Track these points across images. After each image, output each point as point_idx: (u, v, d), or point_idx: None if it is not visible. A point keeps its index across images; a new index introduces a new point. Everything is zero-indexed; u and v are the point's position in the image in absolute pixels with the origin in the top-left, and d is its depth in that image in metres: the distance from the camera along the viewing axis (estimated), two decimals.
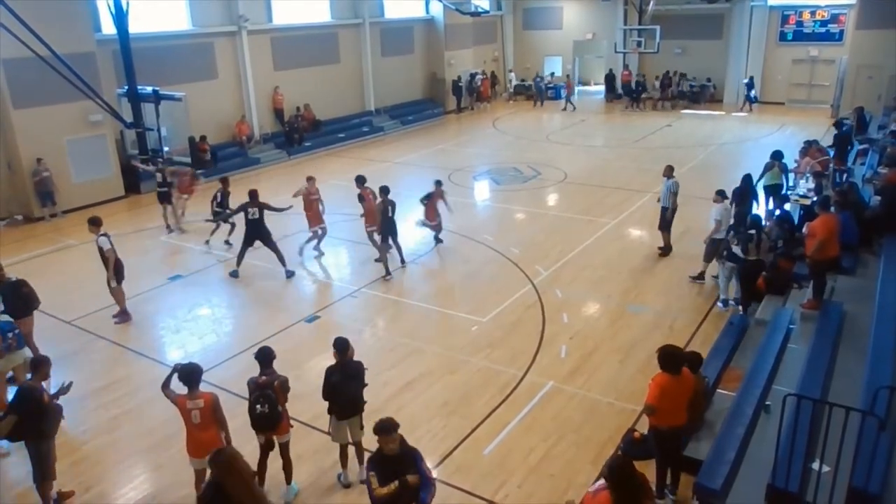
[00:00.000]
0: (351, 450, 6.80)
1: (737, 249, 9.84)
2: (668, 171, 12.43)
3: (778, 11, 28.25)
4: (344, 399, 6.43)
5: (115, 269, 10.32)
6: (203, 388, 6.18)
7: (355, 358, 6.64)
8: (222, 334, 10.41)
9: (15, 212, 15.97)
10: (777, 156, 13.77)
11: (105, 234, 10.30)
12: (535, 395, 8.28)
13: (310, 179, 13.03)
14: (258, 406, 6.17)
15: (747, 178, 12.43)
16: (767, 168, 13.69)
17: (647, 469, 6.81)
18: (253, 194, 11.97)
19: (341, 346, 6.44)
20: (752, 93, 27.61)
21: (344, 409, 6.48)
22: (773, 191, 13.66)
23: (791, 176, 15.57)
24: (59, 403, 6.58)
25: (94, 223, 10.40)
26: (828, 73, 27.13)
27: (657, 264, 12.41)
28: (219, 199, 13.58)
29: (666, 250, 12.78)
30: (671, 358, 5.99)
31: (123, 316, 10.73)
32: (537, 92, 32.00)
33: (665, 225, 12.61)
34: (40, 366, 6.56)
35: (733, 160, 19.76)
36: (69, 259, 13.76)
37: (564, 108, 30.74)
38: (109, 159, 17.34)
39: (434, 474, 6.93)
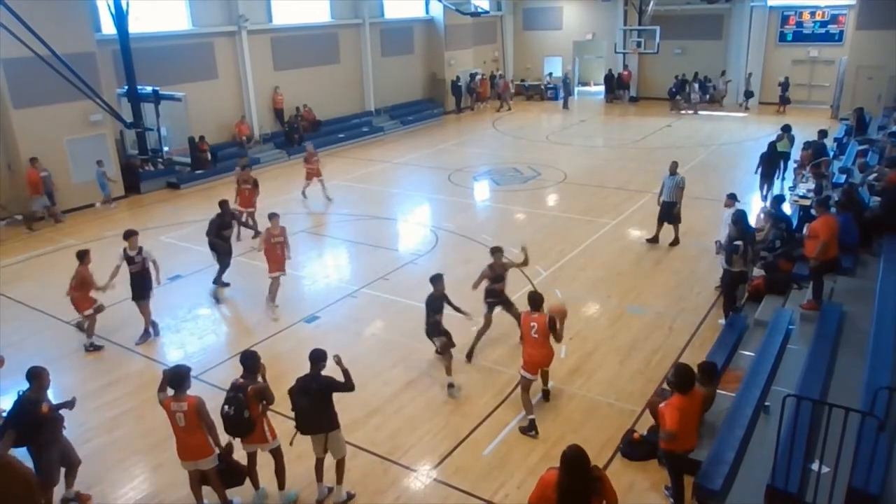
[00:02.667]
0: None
1: (719, 259, 9.79)
2: (674, 168, 12.80)
3: (778, 12, 28.24)
4: (296, 411, 6.28)
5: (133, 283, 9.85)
6: (201, 388, 6.18)
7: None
8: (222, 334, 10.42)
9: (15, 211, 15.96)
10: (786, 128, 16.36)
11: (123, 249, 9.79)
12: (535, 395, 8.27)
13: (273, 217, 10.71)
14: (225, 407, 6.08)
15: (771, 145, 15.66)
16: (778, 139, 16.05)
17: (645, 470, 6.85)
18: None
19: (310, 358, 6.25)
20: (786, 94, 27.21)
21: (298, 422, 6.30)
22: (782, 157, 16.10)
23: (791, 176, 15.74)
24: (59, 413, 6.45)
25: (130, 236, 9.83)
26: (828, 73, 27.12)
27: (657, 265, 12.42)
28: None
29: (654, 240, 13.22)
30: (687, 377, 5.84)
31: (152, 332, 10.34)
32: (565, 92, 31.15)
33: (670, 218, 12.91)
34: (38, 377, 6.29)
35: (733, 161, 19.78)
36: (68, 259, 13.71)
37: (500, 109, 30.80)
38: (109, 159, 17.33)
39: (434, 474, 6.97)
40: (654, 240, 13.29)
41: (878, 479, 5.14)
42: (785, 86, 27.31)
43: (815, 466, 5.54)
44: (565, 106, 30.99)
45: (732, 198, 10.82)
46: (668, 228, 13.16)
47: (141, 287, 9.80)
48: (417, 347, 9.62)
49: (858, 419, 5.12)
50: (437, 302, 8.43)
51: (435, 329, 8.48)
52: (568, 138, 24.82)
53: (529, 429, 7.59)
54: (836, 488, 5.11)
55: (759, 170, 15.38)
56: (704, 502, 6.08)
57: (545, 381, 8.29)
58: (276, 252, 10.36)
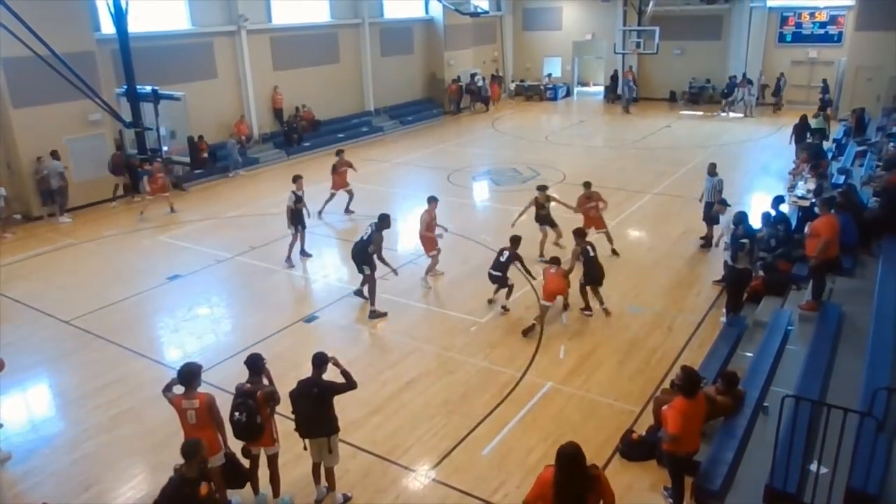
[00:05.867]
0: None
1: (726, 255, 9.83)
2: (712, 169, 12.75)
3: (777, 13, 28.25)
4: (296, 415, 6.29)
5: (293, 218, 12.54)
6: (202, 387, 6.16)
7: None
8: (221, 334, 10.41)
9: (15, 211, 15.95)
10: (823, 108, 19.57)
11: (293, 192, 12.48)
12: (535, 395, 8.29)
13: (432, 200, 11.78)
14: (236, 413, 6.05)
15: (803, 118, 18.66)
16: (815, 116, 19.12)
17: (644, 470, 6.85)
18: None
19: (313, 361, 6.23)
20: (828, 96, 25.86)
21: (298, 426, 6.30)
22: (819, 133, 18.50)
23: (788, 178, 15.75)
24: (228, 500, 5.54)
25: (294, 180, 12.72)
26: (827, 74, 27.11)
27: (656, 265, 12.42)
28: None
29: (708, 242, 13.00)
30: (692, 381, 5.81)
31: (304, 255, 13.07)
32: (626, 95, 29.45)
33: (712, 219, 12.79)
34: (196, 450, 5.22)
35: (732, 161, 19.75)
36: (68, 258, 13.75)
37: (455, 113, 30.00)
38: (108, 158, 17.30)
39: (433, 474, 6.97)
40: (705, 238, 13.10)
41: (876, 480, 5.14)
42: (825, 89, 26.19)
43: (813, 467, 5.55)
44: (628, 110, 29.29)
45: (723, 203, 10.84)
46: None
47: (302, 219, 12.72)
48: (417, 347, 9.63)
49: (857, 420, 5.13)
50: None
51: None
52: (567, 138, 24.82)
53: (530, 329, 9.71)
54: (835, 489, 5.12)
55: (793, 138, 18.58)
56: (703, 502, 6.09)
57: (566, 306, 10.33)
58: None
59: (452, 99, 30.04)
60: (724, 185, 12.81)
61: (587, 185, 13.06)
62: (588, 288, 10.38)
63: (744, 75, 28.35)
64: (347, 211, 15.77)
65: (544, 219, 13.17)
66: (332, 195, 15.64)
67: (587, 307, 10.46)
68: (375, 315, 10.62)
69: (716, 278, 11.42)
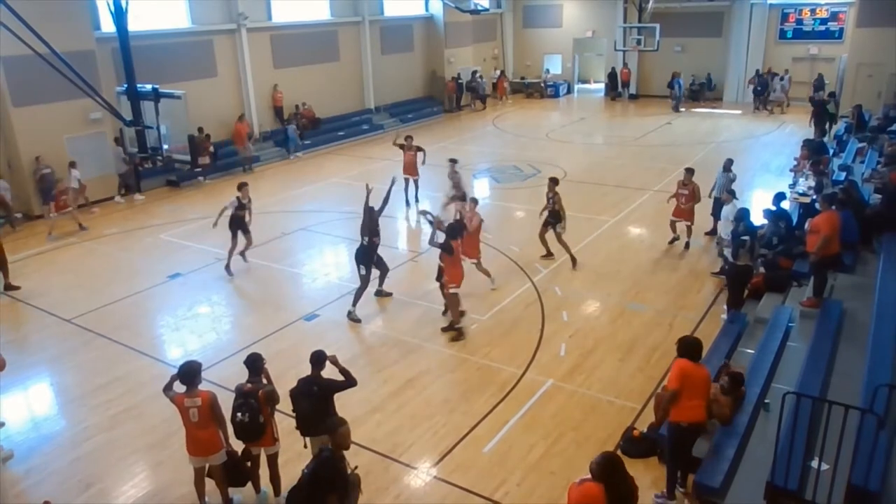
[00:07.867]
0: None
1: (727, 252, 9.84)
2: (728, 165, 12.98)
3: (778, 9, 28.22)
4: (296, 413, 6.31)
5: (233, 224, 12.07)
6: (203, 386, 6.16)
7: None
8: (222, 332, 10.41)
9: (15, 209, 15.94)
10: (832, 95, 21.87)
11: (236, 198, 12.01)
12: (535, 392, 8.29)
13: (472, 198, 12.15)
14: (238, 414, 6.06)
15: (819, 103, 21.00)
16: (826, 102, 21.16)
17: (647, 467, 6.85)
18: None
19: (311, 360, 6.26)
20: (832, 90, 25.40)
21: (299, 424, 6.32)
22: (832, 117, 21.06)
23: (790, 174, 15.71)
24: (356, 474, 5.52)
25: (239, 188, 12.23)
26: (828, 71, 27.08)
27: (657, 263, 12.42)
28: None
29: (713, 233, 13.12)
30: (690, 346, 5.94)
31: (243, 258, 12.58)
32: (677, 94, 28.35)
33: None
34: (334, 426, 5.32)
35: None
36: (69, 257, 13.76)
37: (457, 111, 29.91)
38: (109, 157, 17.30)
39: (434, 472, 6.97)
40: (709, 233, 13.26)
41: (877, 477, 5.15)
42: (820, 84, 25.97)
43: (814, 464, 5.55)
44: (678, 109, 28.34)
45: (731, 193, 10.90)
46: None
47: (244, 225, 12.21)
48: (417, 345, 9.63)
49: (858, 416, 5.13)
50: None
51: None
52: (567, 136, 24.80)
53: (459, 336, 9.70)
54: (836, 485, 5.12)
55: (812, 121, 20.92)
56: (705, 499, 6.09)
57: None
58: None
59: (450, 96, 30.01)
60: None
61: (688, 171, 12.79)
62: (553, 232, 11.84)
63: (758, 70, 28.21)
64: (407, 202, 16.33)
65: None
66: (415, 182, 16.32)
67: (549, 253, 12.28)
68: (352, 315, 10.43)
69: (714, 270, 11.46)
